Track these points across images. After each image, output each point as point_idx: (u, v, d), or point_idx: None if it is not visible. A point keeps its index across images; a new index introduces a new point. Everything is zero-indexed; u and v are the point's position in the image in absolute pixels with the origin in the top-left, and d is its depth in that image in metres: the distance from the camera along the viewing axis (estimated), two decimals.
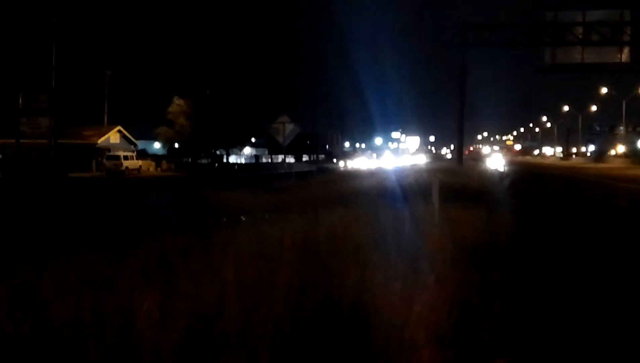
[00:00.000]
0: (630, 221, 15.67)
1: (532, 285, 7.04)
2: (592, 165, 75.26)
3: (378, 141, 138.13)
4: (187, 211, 15.43)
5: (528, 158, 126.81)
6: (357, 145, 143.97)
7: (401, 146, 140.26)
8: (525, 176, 40.97)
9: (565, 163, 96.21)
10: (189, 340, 3.78)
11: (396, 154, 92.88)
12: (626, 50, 49.02)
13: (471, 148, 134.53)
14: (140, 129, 76.45)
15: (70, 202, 22.47)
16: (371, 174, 31.52)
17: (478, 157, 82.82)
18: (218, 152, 76.32)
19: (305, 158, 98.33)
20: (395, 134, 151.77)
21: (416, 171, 29.20)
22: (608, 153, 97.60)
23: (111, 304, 4.09)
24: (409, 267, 5.26)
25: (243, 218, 11.28)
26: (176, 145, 73.53)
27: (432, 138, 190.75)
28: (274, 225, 8.58)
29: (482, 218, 10.38)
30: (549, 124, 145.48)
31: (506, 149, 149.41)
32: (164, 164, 66.71)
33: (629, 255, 9.87)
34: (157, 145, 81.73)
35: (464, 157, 57.74)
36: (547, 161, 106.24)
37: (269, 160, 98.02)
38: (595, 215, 17.38)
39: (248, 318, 3.99)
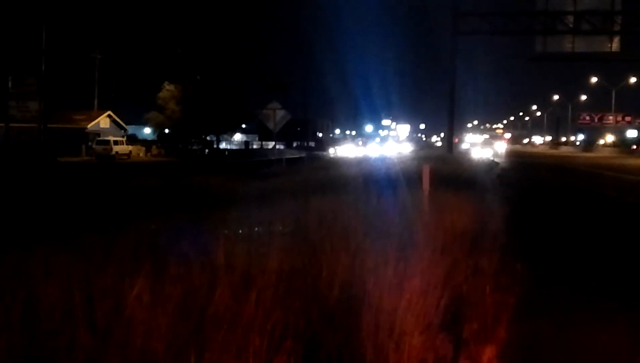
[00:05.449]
0: (617, 210, 15.98)
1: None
2: (581, 154, 75.67)
3: (368, 128, 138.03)
4: (175, 197, 15.38)
5: (517, 147, 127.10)
6: (348, 132, 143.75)
7: (391, 133, 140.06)
8: (515, 165, 41.13)
9: (554, 151, 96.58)
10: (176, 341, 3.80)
11: (383, 142, 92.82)
12: (616, 39, 49.04)
13: (456, 140, 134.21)
14: (131, 114, 76.22)
15: (60, 186, 22.35)
16: (358, 162, 31.50)
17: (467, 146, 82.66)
18: (208, 138, 76.06)
19: (295, 144, 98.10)
20: (385, 122, 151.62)
21: (404, 160, 29.07)
22: (597, 142, 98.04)
23: (101, 287, 4.09)
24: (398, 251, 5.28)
25: (234, 203, 11.26)
26: (166, 130, 73.18)
27: (422, 126, 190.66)
28: (263, 210, 8.58)
29: (472, 207, 10.41)
30: (538, 113, 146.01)
31: (496, 137, 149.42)
32: (154, 150, 66.40)
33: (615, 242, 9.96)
34: (147, 130, 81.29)
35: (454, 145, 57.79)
36: (536, 150, 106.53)
37: (260, 146, 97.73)
38: (581, 203, 17.65)
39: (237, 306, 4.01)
